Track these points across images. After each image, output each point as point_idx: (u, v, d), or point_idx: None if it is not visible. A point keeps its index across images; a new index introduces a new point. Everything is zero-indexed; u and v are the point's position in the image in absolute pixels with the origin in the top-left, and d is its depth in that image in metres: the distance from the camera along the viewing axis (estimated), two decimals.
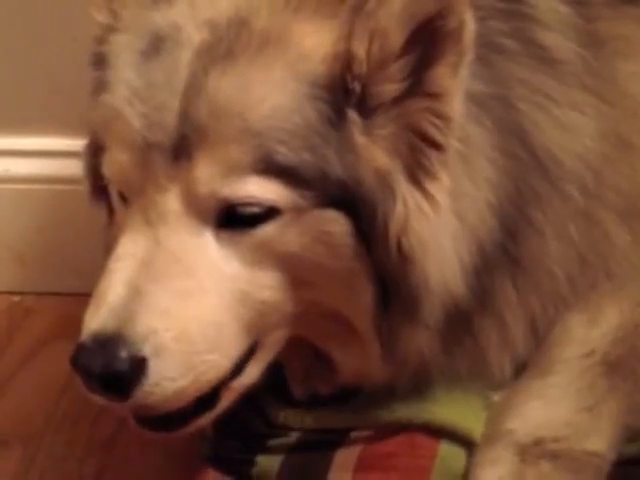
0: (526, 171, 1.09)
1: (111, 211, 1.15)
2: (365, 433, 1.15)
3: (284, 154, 0.98)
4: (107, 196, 1.13)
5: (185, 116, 0.99)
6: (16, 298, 1.52)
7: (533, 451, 1.06)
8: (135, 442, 1.23)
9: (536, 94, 1.11)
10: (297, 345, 1.12)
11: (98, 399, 1.00)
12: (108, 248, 1.14)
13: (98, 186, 1.14)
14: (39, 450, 1.26)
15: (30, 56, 1.47)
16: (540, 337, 1.15)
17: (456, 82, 1.00)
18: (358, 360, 1.10)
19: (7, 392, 1.36)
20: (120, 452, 1.24)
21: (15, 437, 1.29)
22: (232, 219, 1.00)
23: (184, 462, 1.19)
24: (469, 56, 1.00)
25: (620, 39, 1.18)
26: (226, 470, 1.17)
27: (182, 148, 0.99)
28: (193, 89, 0.99)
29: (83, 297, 1.47)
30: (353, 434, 1.15)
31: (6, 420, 1.32)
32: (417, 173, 1.02)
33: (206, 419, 1.07)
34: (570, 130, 1.12)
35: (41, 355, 1.42)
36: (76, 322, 1.44)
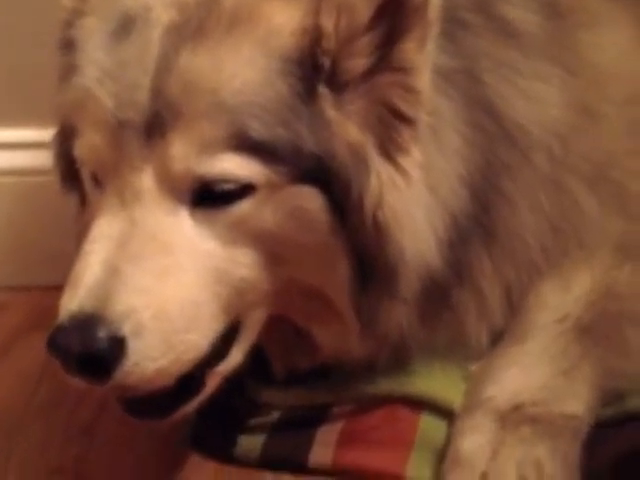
0: (495, 142, 1.11)
1: (82, 199, 1.15)
2: (346, 408, 1.17)
3: (257, 129, 0.99)
4: (78, 184, 1.14)
5: (157, 94, 0.99)
6: None
7: (512, 416, 1.08)
8: (115, 428, 1.22)
9: (501, 66, 1.13)
10: (276, 324, 1.13)
11: (77, 382, 0.99)
12: (80, 236, 1.14)
13: (69, 173, 1.14)
14: (18, 439, 1.24)
15: None
16: (515, 306, 1.17)
17: (423, 56, 1.02)
18: (338, 336, 1.11)
19: None
20: (100, 439, 1.23)
21: None
22: (207, 197, 1.00)
23: (166, 447, 1.19)
24: (435, 30, 1.01)
25: (581, 11, 1.20)
26: (208, 452, 1.18)
27: (155, 126, 0.99)
28: (164, 67, 1.00)
29: (56, 290, 1.47)
30: (334, 410, 1.17)
31: None
32: (389, 147, 1.03)
33: (192, 405, 1.07)
34: (536, 100, 1.14)
35: (16, 347, 1.40)
36: (50, 315, 1.43)
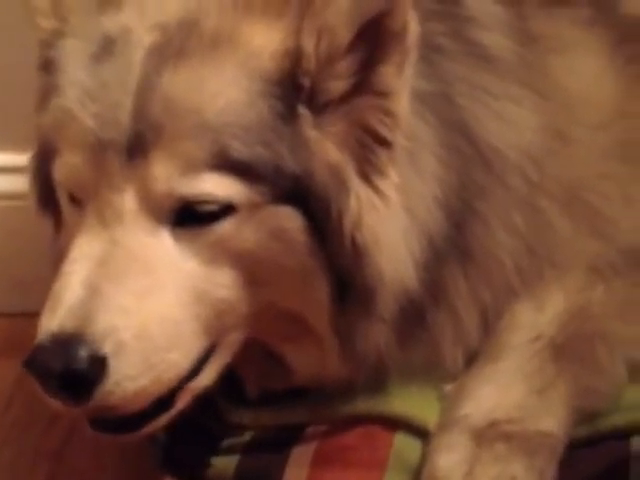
0: (470, 164, 1.13)
1: (58, 223, 1.15)
2: (321, 428, 1.16)
3: (238, 149, 1.00)
4: (54, 207, 1.14)
5: (139, 114, 1.00)
6: None
7: (488, 434, 1.08)
8: (85, 451, 1.22)
9: (476, 90, 1.15)
10: (250, 347, 1.13)
11: (55, 403, 0.99)
12: (56, 260, 1.14)
13: (45, 195, 1.14)
14: None
15: None
16: (490, 327, 1.18)
17: (402, 81, 1.03)
18: (315, 360, 1.12)
19: None
20: (70, 461, 1.23)
21: None
22: (188, 216, 1.01)
23: (137, 468, 1.18)
24: (413, 56, 1.03)
25: (553, 37, 1.23)
26: (180, 474, 1.17)
27: (137, 146, 1.00)
28: (146, 87, 1.01)
29: (28, 317, 1.45)
30: (309, 430, 1.16)
31: None
32: (367, 169, 1.05)
33: (161, 421, 1.06)
34: (510, 123, 1.16)
35: None
36: (22, 341, 1.42)
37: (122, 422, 1.03)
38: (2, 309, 1.51)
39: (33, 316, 1.42)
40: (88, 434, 1.08)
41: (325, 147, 1.03)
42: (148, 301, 0.99)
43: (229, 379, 1.13)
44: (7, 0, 1.39)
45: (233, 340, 1.08)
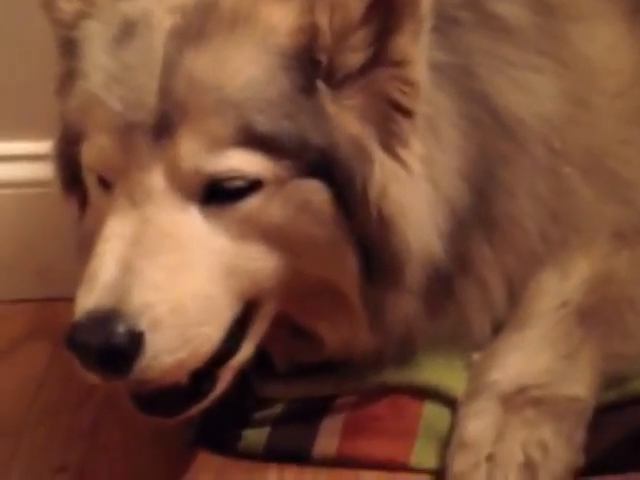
0: (491, 134, 1.14)
1: (83, 206, 1.16)
2: (350, 399, 1.18)
3: (263, 123, 1.01)
4: (79, 190, 1.15)
5: (164, 94, 1.01)
6: None
7: (516, 399, 1.09)
8: (117, 430, 1.23)
9: (495, 60, 1.16)
10: (280, 325, 1.14)
11: (94, 378, 1.00)
12: (80, 243, 1.15)
13: (70, 178, 1.15)
14: (20, 443, 1.25)
15: None
16: (516, 295, 1.19)
17: (418, 49, 1.04)
18: (346, 332, 1.13)
19: None
20: (102, 440, 1.23)
21: None
22: (217, 194, 1.03)
23: (168, 448, 1.20)
24: (428, 23, 1.04)
25: (571, 5, 1.23)
26: (214, 446, 1.18)
27: (164, 126, 1.01)
28: (170, 68, 1.02)
29: (55, 302, 1.47)
30: (338, 401, 1.18)
31: None
32: (389, 140, 1.06)
33: (206, 402, 1.08)
34: (531, 92, 1.16)
35: (16, 355, 1.40)
36: (48, 326, 1.44)
37: (166, 403, 1.05)
38: (28, 295, 1.52)
39: (58, 301, 1.44)
40: (119, 413, 1.09)
41: (346, 120, 1.04)
42: (181, 277, 1.00)
43: (259, 353, 1.14)
44: None
45: (267, 312, 1.10)
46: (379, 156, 1.05)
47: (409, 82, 1.04)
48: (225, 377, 1.08)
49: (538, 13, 1.19)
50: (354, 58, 1.03)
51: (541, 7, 1.20)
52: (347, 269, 1.07)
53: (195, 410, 1.08)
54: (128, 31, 1.05)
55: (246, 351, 1.09)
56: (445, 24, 1.10)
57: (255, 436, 1.16)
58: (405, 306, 1.10)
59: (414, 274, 1.08)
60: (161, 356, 0.98)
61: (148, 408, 1.07)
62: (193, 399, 1.07)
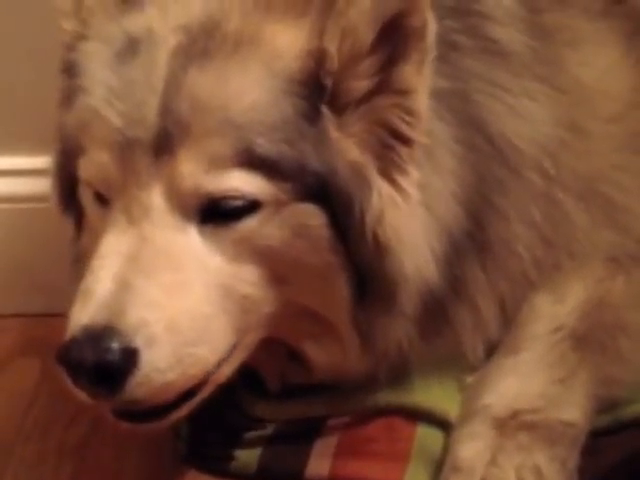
0: (487, 160, 1.14)
1: (79, 222, 1.16)
2: (342, 420, 1.18)
3: (264, 146, 1.01)
4: (76, 205, 1.15)
5: (166, 112, 1.01)
6: None
7: (510, 424, 1.10)
8: (108, 445, 1.23)
9: (491, 86, 1.16)
10: (270, 346, 1.14)
11: (83, 396, 0.99)
12: (76, 259, 1.15)
13: (67, 195, 1.15)
14: (11, 459, 1.24)
15: None
16: (509, 318, 1.20)
17: (421, 79, 1.05)
18: (335, 357, 1.13)
19: None
20: (94, 456, 1.24)
21: None
22: (214, 213, 1.02)
23: (159, 463, 1.19)
24: (432, 54, 1.05)
25: (567, 29, 1.24)
26: (204, 467, 1.17)
27: (164, 144, 1.01)
28: (172, 86, 1.02)
29: (48, 318, 1.46)
30: (330, 422, 1.18)
31: None
32: (388, 167, 1.06)
33: (184, 410, 1.06)
34: (525, 117, 1.17)
35: (7, 371, 1.41)
36: (41, 341, 1.43)
37: (145, 412, 1.03)
38: (23, 310, 1.52)
39: (53, 317, 1.43)
40: (110, 429, 1.09)
41: (347, 146, 1.04)
42: (177, 296, 1.00)
43: (251, 373, 1.15)
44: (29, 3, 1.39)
45: (252, 340, 1.09)
46: (377, 183, 1.05)
47: (410, 111, 1.05)
48: (205, 390, 1.05)
49: (535, 38, 1.20)
50: (359, 85, 1.04)
51: (537, 32, 1.21)
52: (338, 295, 1.07)
53: (171, 419, 1.05)
54: (131, 48, 1.04)
55: (225, 371, 1.07)
56: (445, 49, 1.11)
57: (247, 457, 1.15)
58: (398, 331, 1.10)
59: (409, 299, 1.08)
60: (154, 375, 0.98)
61: (124, 415, 1.04)
62: (171, 408, 1.04)
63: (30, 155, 1.47)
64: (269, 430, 1.16)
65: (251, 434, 1.16)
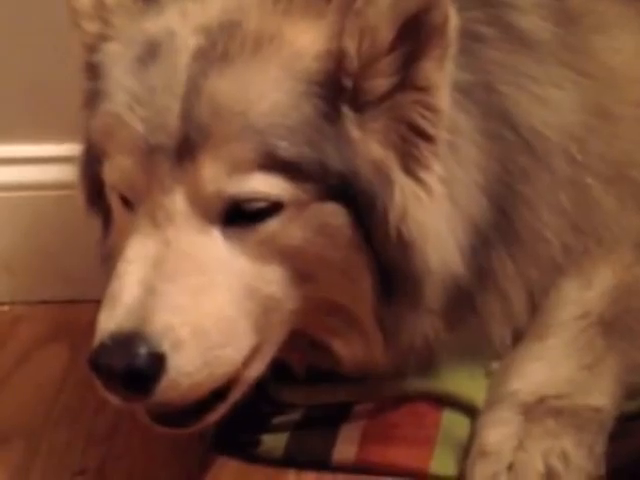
0: (512, 150, 1.15)
1: (106, 222, 1.18)
2: (368, 406, 1.20)
3: (286, 149, 1.02)
4: (102, 205, 1.17)
5: (187, 117, 1.02)
6: (5, 307, 1.50)
7: (537, 409, 1.11)
8: (137, 432, 1.24)
9: (516, 76, 1.17)
10: (296, 338, 1.15)
11: (117, 400, 1.02)
12: (104, 257, 1.16)
13: (94, 194, 1.17)
14: (40, 444, 1.27)
15: (14, 62, 1.46)
16: (537, 305, 1.21)
17: (442, 75, 1.05)
18: (360, 352, 1.14)
19: (4, 390, 1.35)
20: (122, 443, 1.24)
21: (15, 433, 1.28)
22: (237, 216, 1.04)
23: (187, 450, 1.21)
24: (453, 49, 1.05)
25: (593, 14, 1.24)
26: (232, 452, 1.19)
27: (186, 149, 1.02)
28: (193, 91, 1.03)
29: (73, 304, 1.46)
30: (357, 407, 1.20)
31: (5, 417, 1.31)
32: (411, 164, 1.07)
33: (219, 412, 1.09)
34: (552, 105, 1.18)
35: (36, 357, 1.43)
36: (68, 328, 1.44)
37: (181, 415, 1.06)
38: (52, 297, 1.53)
39: (81, 303, 1.44)
40: (138, 418, 1.08)
41: (368, 145, 1.05)
42: (202, 299, 1.01)
43: (277, 359, 1.16)
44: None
45: (279, 335, 1.11)
46: (400, 179, 1.05)
47: (432, 108, 1.05)
48: (237, 389, 1.08)
49: (559, 24, 1.21)
50: (380, 83, 1.04)
51: (563, 18, 1.21)
52: (362, 292, 1.08)
53: (206, 422, 1.08)
54: (152, 52, 1.05)
55: (257, 368, 1.09)
56: (468, 41, 1.12)
57: (274, 441, 1.17)
58: (424, 324, 1.11)
59: (434, 293, 1.09)
60: (182, 377, 1.00)
61: (161, 420, 1.07)
62: (205, 410, 1.07)
63: (58, 142, 1.48)
64: (296, 415, 1.18)
65: (278, 419, 1.18)
